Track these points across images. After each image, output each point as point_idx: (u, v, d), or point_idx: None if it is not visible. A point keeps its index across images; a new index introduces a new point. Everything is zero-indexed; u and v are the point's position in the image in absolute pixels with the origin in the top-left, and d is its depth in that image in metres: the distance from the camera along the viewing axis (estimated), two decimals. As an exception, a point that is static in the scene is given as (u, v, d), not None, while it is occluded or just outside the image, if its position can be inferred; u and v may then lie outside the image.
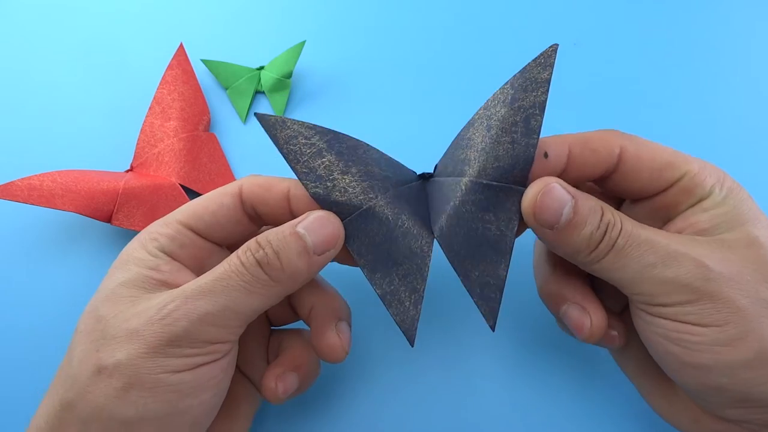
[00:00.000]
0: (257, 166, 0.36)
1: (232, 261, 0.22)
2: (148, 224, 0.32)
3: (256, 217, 0.26)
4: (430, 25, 0.41)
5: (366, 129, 0.37)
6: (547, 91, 0.22)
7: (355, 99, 0.39)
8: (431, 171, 0.26)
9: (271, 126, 0.25)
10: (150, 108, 0.36)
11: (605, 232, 0.21)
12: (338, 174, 0.24)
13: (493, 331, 0.23)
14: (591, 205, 0.22)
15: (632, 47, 0.41)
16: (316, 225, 0.23)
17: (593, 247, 0.22)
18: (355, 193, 0.24)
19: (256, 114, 0.25)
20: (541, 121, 0.22)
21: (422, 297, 0.24)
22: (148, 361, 0.20)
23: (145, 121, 0.36)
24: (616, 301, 0.27)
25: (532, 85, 0.23)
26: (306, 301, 0.26)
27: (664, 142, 0.32)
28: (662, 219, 0.24)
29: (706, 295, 0.20)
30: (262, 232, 0.27)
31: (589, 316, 0.24)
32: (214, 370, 0.22)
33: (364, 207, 0.24)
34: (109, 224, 0.32)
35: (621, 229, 0.21)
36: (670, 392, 0.24)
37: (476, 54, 0.40)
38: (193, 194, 0.34)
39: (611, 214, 0.22)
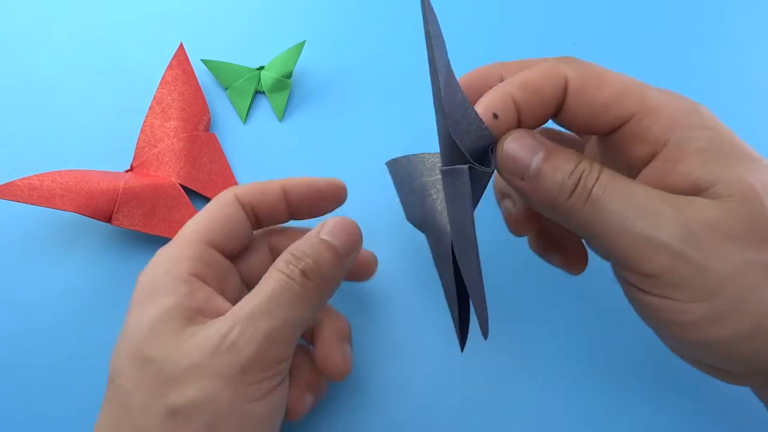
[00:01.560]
0: (257, 166, 0.36)
1: (278, 277, 0.22)
2: (148, 224, 0.32)
3: (255, 220, 0.26)
4: (430, 25, 0.41)
5: (366, 129, 0.38)
6: (428, 45, 0.19)
7: (356, 99, 0.39)
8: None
9: (389, 166, 0.31)
10: (150, 108, 0.36)
11: (579, 179, 0.20)
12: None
13: (486, 338, 0.22)
14: (566, 154, 0.21)
15: (632, 47, 0.41)
16: (337, 229, 0.24)
17: (568, 194, 0.20)
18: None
19: (386, 163, 0.31)
20: (435, 79, 0.19)
21: (451, 301, 0.24)
22: (227, 393, 0.19)
23: (145, 121, 0.35)
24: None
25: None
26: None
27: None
28: (631, 165, 0.22)
29: (688, 261, 0.18)
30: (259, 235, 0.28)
31: (515, 206, 0.26)
32: (283, 392, 0.22)
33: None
34: (109, 224, 0.32)
35: (598, 178, 0.20)
36: None
37: (476, 53, 0.40)
38: (193, 194, 0.34)
39: (588, 164, 0.20)
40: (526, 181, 0.21)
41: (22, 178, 0.31)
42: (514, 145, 0.21)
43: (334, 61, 0.40)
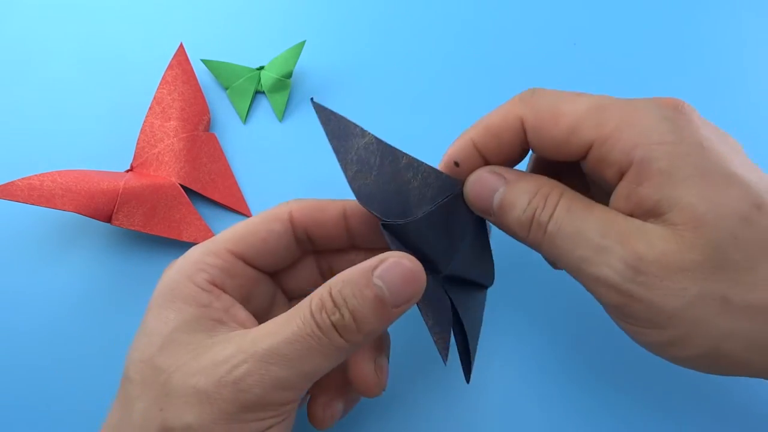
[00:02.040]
0: (257, 166, 0.36)
1: (306, 320, 0.20)
2: (148, 224, 0.32)
3: (307, 241, 0.25)
4: (430, 25, 0.41)
5: (366, 129, 0.37)
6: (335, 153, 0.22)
7: (356, 99, 0.39)
8: None
9: None
10: (150, 108, 0.36)
11: (532, 215, 0.20)
12: None
13: (444, 363, 0.22)
14: (525, 187, 0.21)
15: (632, 47, 0.41)
16: (394, 274, 0.19)
17: (526, 230, 0.21)
18: None
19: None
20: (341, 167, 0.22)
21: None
22: (222, 427, 0.19)
23: (145, 121, 0.35)
24: None
25: None
26: None
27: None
28: (605, 185, 0.21)
29: (637, 299, 0.18)
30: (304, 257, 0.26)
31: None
32: (288, 424, 0.21)
33: None
34: (109, 224, 0.32)
35: (552, 213, 0.20)
36: None
37: (476, 53, 0.40)
38: (193, 194, 0.34)
39: (543, 196, 0.20)
40: (493, 217, 0.22)
41: (22, 178, 0.31)
42: (475, 186, 0.22)
43: (334, 61, 0.40)
